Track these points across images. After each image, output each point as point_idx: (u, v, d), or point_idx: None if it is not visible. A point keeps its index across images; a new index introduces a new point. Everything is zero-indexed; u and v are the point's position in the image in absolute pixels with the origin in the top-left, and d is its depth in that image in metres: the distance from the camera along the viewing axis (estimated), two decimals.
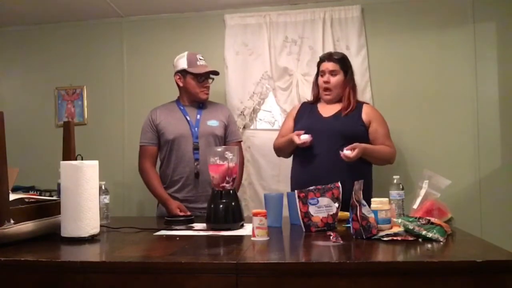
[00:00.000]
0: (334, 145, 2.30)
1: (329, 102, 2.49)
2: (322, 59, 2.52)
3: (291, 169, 2.52)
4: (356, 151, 2.21)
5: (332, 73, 2.46)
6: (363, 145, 2.27)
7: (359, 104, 2.48)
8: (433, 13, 2.99)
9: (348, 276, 1.31)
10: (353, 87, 2.51)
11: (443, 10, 2.98)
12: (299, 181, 2.34)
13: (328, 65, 2.47)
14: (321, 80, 2.49)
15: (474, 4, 2.95)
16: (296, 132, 2.38)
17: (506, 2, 2.92)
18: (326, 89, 2.48)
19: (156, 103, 2.70)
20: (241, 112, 3.06)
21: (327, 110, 2.48)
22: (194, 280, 1.33)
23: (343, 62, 2.50)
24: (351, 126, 2.38)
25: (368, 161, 2.41)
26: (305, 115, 2.52)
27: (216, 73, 2.64)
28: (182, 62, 2.57)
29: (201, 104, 2.61)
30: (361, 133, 2.38)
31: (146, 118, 2.61)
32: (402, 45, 3.03)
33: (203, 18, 3.24)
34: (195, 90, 2.57)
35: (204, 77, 2.57)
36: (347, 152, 2.21)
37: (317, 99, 2.56)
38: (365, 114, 2.43)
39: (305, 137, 2.33)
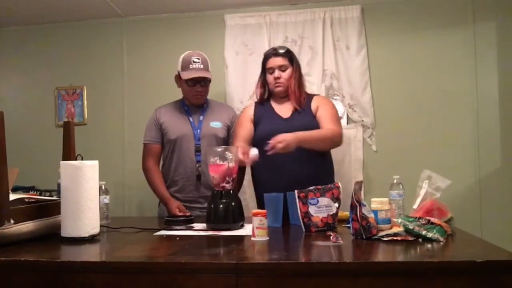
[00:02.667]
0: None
1: (282, 94, 2.39)
2: (268, 56, 2.41)
3: (255, 173, 2.40)
4: (283, 144, 2.05)
5: (282, 68, 2.36)
6: (292, 135, 2.10)
7: (310, 97, 2.42)
8: (433, 13, 3.00)
9: (348, 276, 1.31)
10: (300, 79, 2.41)
11: (443, 10, 2.99)
12: (269, 185, 2.24)
13: (277, 61, 2.36)
14: (270, 77, 2.38)
15: (474, 4, 2.95)
16: (241, 149, 2.12)
17: (506, 2, 2.92)
18: (277, 84, 2.37)
19: (156, 103, 2.70)
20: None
21: (283, 110, 2.39)
22: (194, 280, 1.33)
23: (291, 56, 2.40)
24: (309, 122, 2.32)
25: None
26: (264, 117, 2.40)
27: (205, 78, 2.49)
28: (179, 63, 2.53)
29: (204, 105, 2.60)
30: (317, 126, 2.33)
31: (151, 116, 2.60)
32: (402, 45, 3.03)
33: (203, 18, 3.24)
34: (188, 94, 2.54)
35: (195, 82, 2.48)
36: (252, 154, 2.10)
37: (264, 97, 2.46)
38: (314, 104, 2.37)
39: (254, 154, 2.13)
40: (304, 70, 3.01)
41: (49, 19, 3.38)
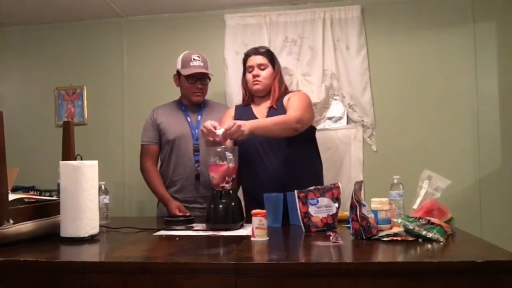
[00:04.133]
0: (274, 145, 2.26)
1: (260, 93, 2.38)
2: (248, 54, 2.42)
3: (242, 179, 2.37)
4: (234, 127, 1.93)
5: (261, 66, 2.35)
6: (246, 121, 2.01)
7: (285, 94, 2.38)
8: (433, 13, 3.00)
9: (348, 276, 1.31)
10: (280, 79, 2.41)
11: (443, 10, 2.99)
12: (252, 190, 2.30)
13: (256, 59, 2.36)
14: (249, 75, 2.37)
15: (474, 4, 2.95)
16: (214, 124, 2.00)
17: (506, 2, 2.92)
18: (255, 81, 2.35)
19: (156, 103, 2.70)
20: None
21: (261, 110, 2.37)
22: (193, 280, 1.33)
23: (271, 55, 2.41)
24: None
25: (310, 145, 2.37)
26: (242, 119, 2.22)
27: (205, 74, 2.51)
28: (178, 62, 2.53)
29: (202, 105, 2.60)
30: None
31: (148, 117, 2.60)
32: (402, 45, 3.03)
33: (203, 18, 3.24)
34: (187, 91, 2.54)
35: (195, 79, 2.49)
36: (218, 132, 1.96)
37: (248, 100, 2.44)
38: (285, 99, 2.33)
39: (218, 132, 1.96)
40: (304, 70, 3.04)
41: (49, 19, 3.38)
